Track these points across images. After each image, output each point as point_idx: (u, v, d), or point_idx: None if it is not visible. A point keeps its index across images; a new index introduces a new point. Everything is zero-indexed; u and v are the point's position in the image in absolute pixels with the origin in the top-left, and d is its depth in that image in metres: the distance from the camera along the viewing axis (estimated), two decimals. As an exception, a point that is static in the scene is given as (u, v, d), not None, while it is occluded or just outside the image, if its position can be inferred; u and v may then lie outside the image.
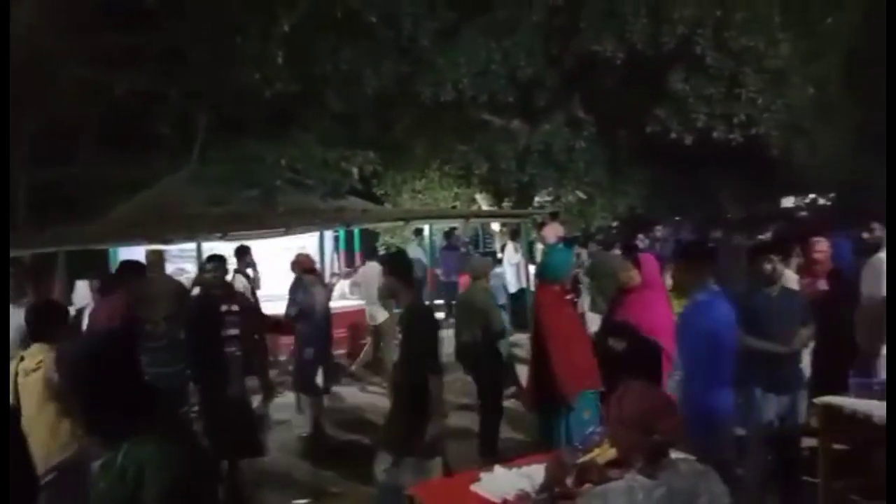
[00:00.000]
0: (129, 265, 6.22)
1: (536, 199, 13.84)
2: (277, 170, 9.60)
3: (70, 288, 8.20)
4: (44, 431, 3.12)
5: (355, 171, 10.02)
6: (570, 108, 12.30)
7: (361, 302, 9.10)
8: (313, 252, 9.90)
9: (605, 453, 2.77)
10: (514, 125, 12.55)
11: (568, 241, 9.48)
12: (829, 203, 17.06)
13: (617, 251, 8.52)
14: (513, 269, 11.52)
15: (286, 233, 9.20)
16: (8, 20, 3.33)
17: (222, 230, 8.41)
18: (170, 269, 8.42)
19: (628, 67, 11.21)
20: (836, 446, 4.15)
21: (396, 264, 4.20)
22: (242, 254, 8.14)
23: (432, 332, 3.96)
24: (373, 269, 8.27)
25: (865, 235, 4.98)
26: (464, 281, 8.79)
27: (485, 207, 14.06)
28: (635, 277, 4.86)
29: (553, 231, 10.93)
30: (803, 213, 16.15)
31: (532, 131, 12.22)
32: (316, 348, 7.03)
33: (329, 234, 10.67)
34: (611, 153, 12.73)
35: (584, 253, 8.94)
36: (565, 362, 4.46)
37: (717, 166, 13.52)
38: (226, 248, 7.50)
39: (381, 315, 8.46)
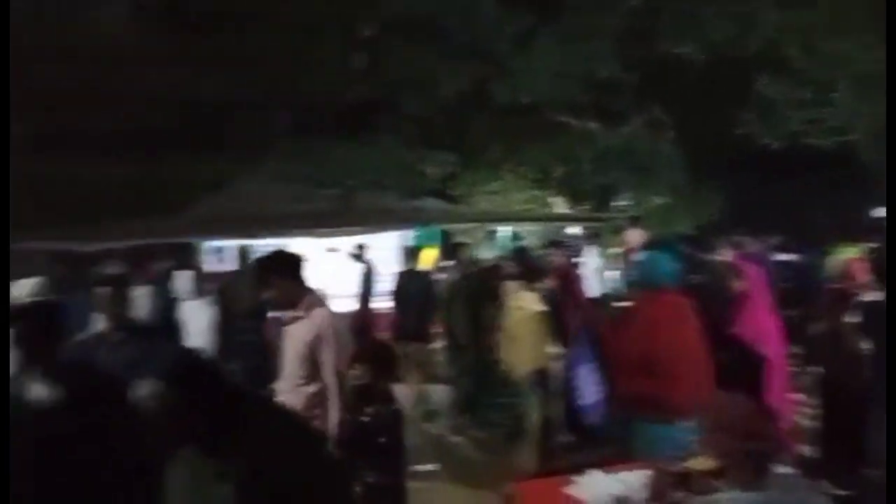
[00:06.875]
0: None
1: (613, 203, 13.51)
2: (356, 170, 9.77)
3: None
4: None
5: (434, 172, 10.08)
6: (650, 110, 12.04)
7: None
8: (394, 250, 9.80)
9: (703, 463, 2.72)
10: (592, 127, 12.35)
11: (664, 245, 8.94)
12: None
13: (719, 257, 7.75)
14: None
15: (365, 231, 9.34)
16: (8, 20, 3.53)
17: (306, 227, 8.62)
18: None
19: (711, 70, 10.88)
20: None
21: None
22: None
23: None
24: None
25: None
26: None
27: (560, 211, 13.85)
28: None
29: (636, 236, 10.62)
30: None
31: (610, 133, 11.99)
32: None
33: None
34: (693, 158, 12.35)
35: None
36: (687, 374, 3.89)
37: (808, 176, 12.90)
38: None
39: None
